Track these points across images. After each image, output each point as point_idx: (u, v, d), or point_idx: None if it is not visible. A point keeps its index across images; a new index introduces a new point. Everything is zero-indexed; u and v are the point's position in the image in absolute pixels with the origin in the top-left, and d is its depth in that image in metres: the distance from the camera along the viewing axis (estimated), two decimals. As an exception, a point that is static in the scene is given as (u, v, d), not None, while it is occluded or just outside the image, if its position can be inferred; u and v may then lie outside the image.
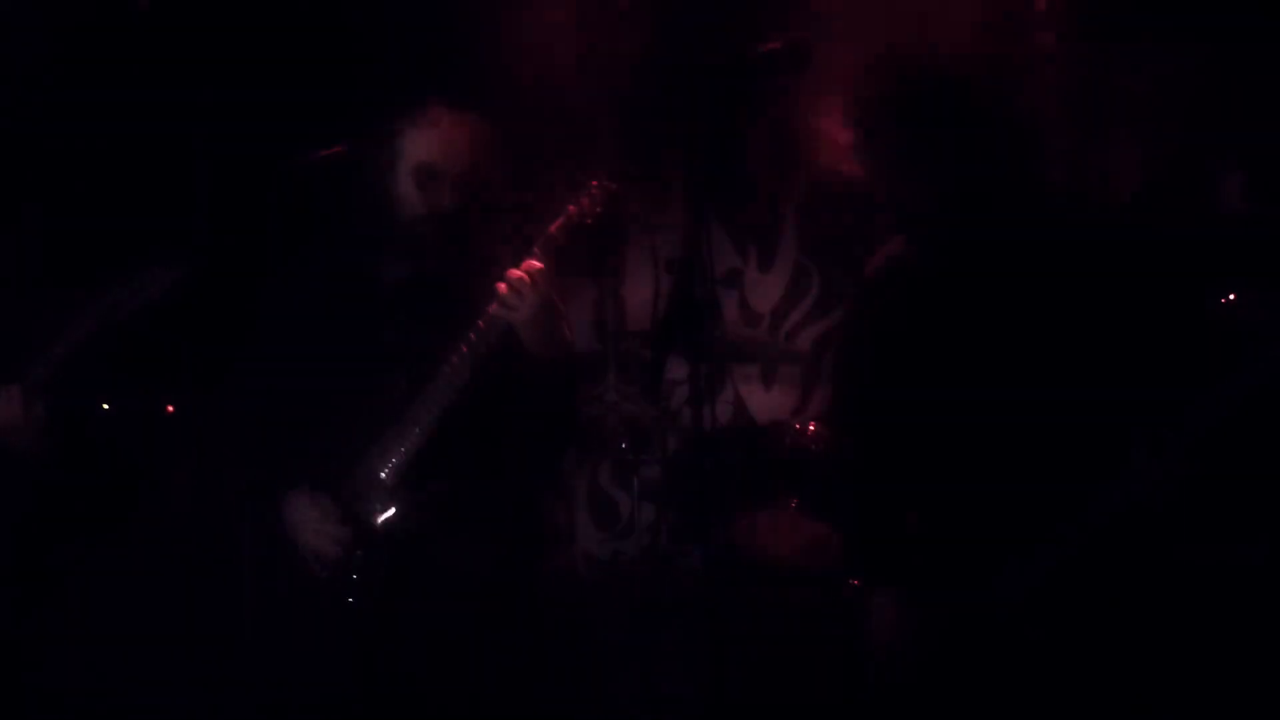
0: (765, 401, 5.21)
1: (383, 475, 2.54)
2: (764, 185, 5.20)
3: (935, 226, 2.35)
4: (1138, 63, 4.03)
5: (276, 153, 2.81)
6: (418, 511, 2.56)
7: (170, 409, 4.02)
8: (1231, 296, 3.10)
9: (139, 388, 3.96)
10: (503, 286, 2.52)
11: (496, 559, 2.63)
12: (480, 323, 2.54)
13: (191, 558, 4.03)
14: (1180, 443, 2.13)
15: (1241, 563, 2.76)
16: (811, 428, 4.37)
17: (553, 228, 2.64)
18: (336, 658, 2.60)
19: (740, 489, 4.37)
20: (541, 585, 2.84)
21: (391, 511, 2.55)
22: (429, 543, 2.58)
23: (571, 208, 2.66)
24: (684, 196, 5.36)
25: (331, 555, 2.57)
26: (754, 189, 5.18)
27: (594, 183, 2.70)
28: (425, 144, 2.70)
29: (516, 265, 2.58)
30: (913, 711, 2.33)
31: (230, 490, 3.73)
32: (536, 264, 2.54)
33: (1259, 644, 2.69)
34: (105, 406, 3.64)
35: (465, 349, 2.54)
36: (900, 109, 2.33)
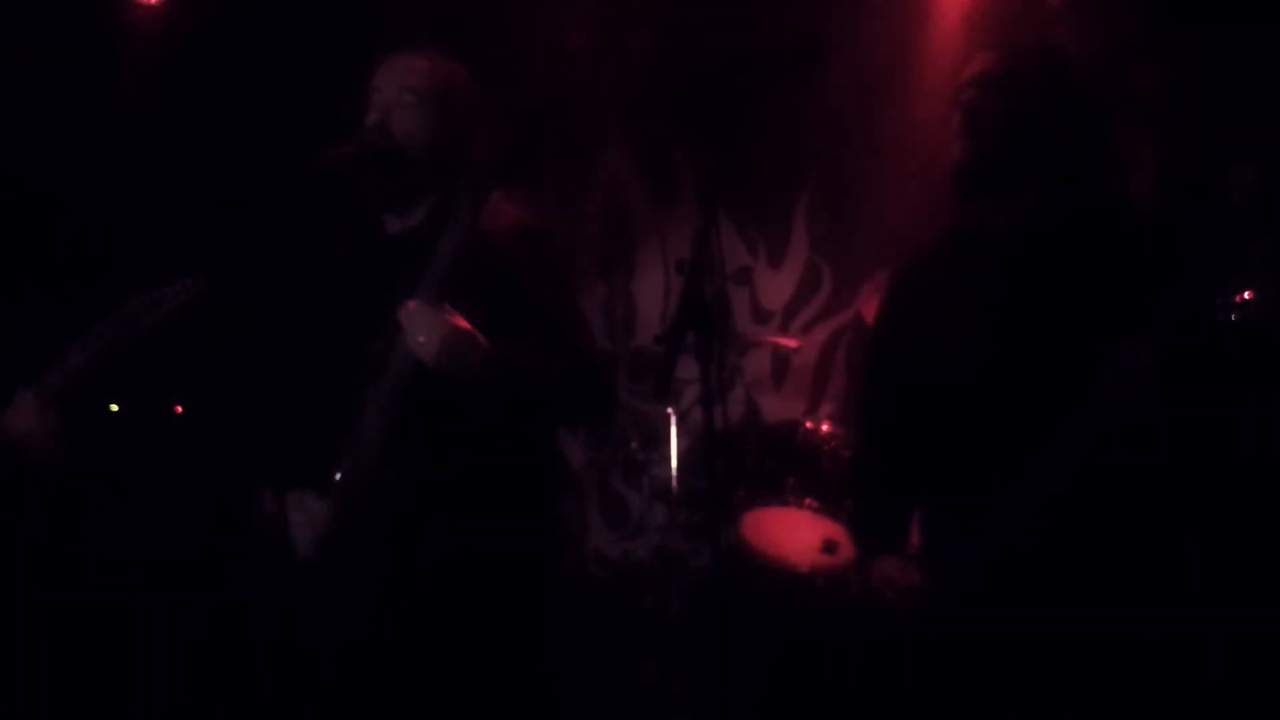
0: (776, 400, 5.20)
1: (361, 463, 2.52)
2: (774, 183, 5.19)
3: (1019, 204, 2.35)
4: (1149, 56, 4.01)
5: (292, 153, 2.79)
6: (408, 487, 2.53)
7: (179, 409, 4.03)
8: (1248, 295, 3.08)
9: (149, 389, 3.96)
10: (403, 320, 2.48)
11: (504, 550, 2.60)
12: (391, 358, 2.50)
13: (196, 554, 4.03)
14: (1149, 350, 2.11)
15: (1245, 549, 2.76)
16: (824, 427, 4.35)
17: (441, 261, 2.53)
18: (336, 651, 2.58)
19: (750, 488, 4.35)
20: (557, 583, 2.81)
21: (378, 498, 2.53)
22: (427, 529, 2.55)
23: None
24: (694, 195, 5.37)
25: (315, 556, 2.56)
26: (764, 187, 5.17)
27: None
28: (385, 78, 2.66)
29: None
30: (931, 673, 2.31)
31: (234, 485, 3.74)
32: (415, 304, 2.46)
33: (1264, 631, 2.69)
34: (114, 408, 3.64)
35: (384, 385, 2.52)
36: (1008, 84, 2.35)
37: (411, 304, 2.44)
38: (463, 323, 2.44)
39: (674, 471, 4.59)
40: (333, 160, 2.54)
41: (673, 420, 4.62)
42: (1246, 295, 3.05)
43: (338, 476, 2.56)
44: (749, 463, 4.41)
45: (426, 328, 2.42)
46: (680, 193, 5.38)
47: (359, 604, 2.53)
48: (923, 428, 2.40)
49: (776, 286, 5.31)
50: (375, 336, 2.53)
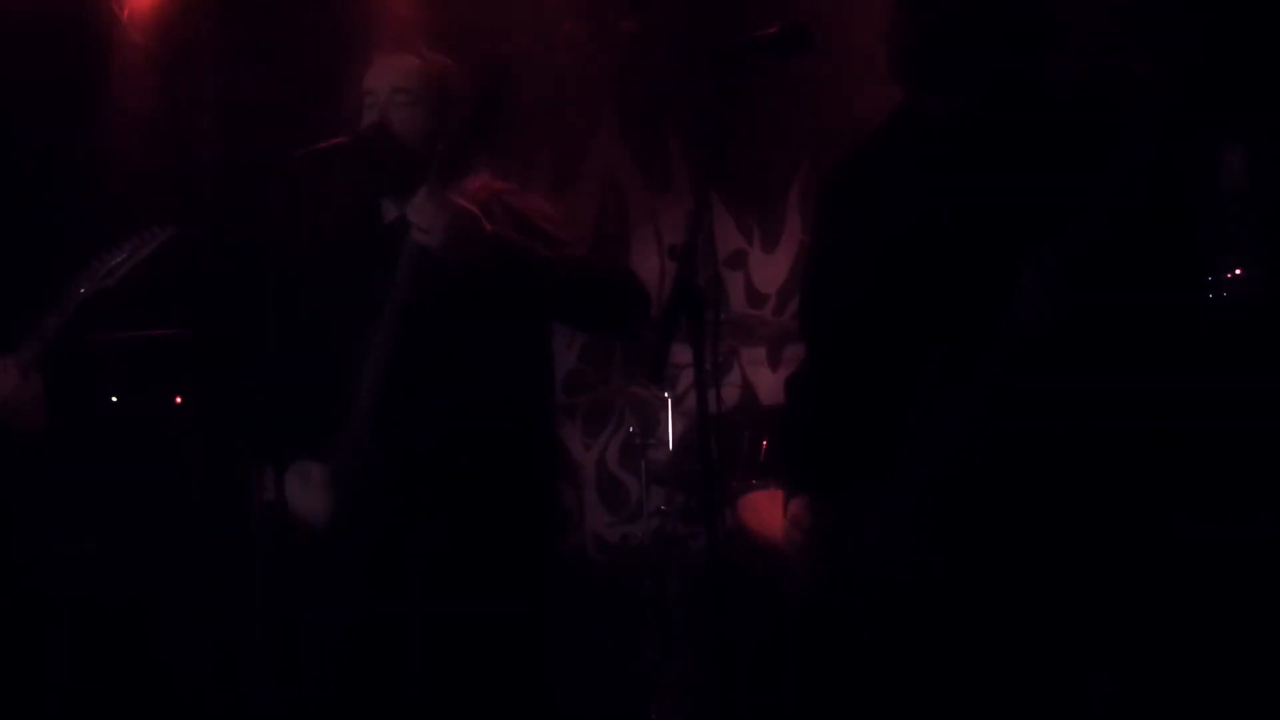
0: (772, 383, 5.21)
1: (361, 435, 2.52)
2: (768, 166, 5.19)
3: (964, 89, 2.18)
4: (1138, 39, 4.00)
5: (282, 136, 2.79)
6: (407, 454, 2.54)
7: (179, 400, 4.04)
8: (1238, 271, 3.10)
9: (146, 379, 3.97)
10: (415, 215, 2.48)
11: (498, 532, 2.61)
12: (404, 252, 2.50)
13: (201, 535, 4.05)
14: (1064, 254, 2.01)
15: (1244, 539, 2.73)
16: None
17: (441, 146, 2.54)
18: (341, 631, 2.60)
19: (747, 471, 4.37)
20: (553, 565, 2.82)
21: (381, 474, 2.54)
22: (425, 506, 2.56)
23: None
24: (688, 180, 5.37)
25: (320, 528, 2.57)
26: (758, 170, 5.17)
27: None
28: (376, 79, 2.69)
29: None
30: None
31: (237, 463, 3.74)
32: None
33: (1264, 622, 2.67)
34: (114, 400, 3.65)
35: (395, 280, 2.51)
36: None
37: (418, 197, 2.46)
38: (468, 204, 2.47)
39: (671, 455, 4.61)
40: (327, 153, 2.57)
41: (669, 404, 4.63)
42: (1236, 272, 3.07)
43: (335, 451, 2.58)
44: (745, 446, 4.42)
45: (432, 210, 2.44)
46: (674, 177, 5.38)
47: (352, 586, 2.54)
48: (864, 348, 2.25)
49: (771, 270, 5.32)
50: (374, 319, 2.56)
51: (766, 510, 4.28)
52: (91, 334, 3.13)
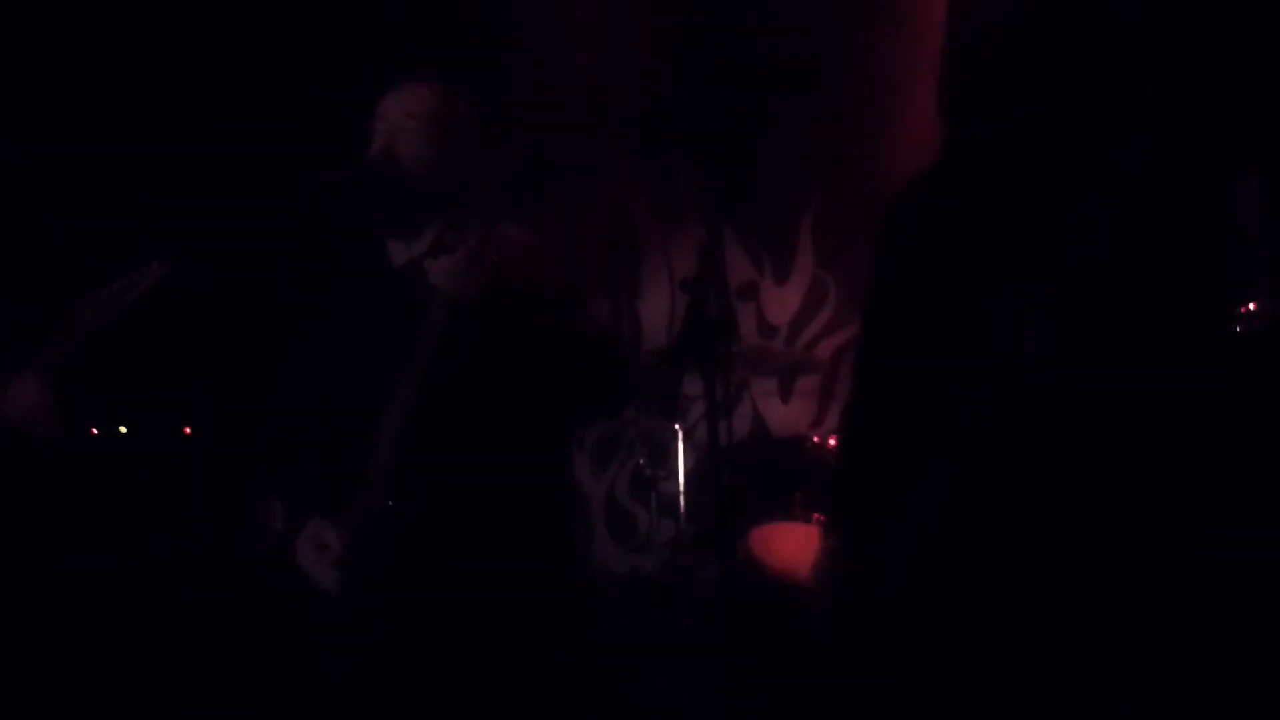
0: (783, 415, 5.20)
1: (380, 489, 2.50)
2: (780, 199, 5.20)
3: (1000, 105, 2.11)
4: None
5: (288, 160, 2.77)
6: (425, 506, 2.52)
7: (187, 430, 4.04)
8: (1252, 305, 3.08)
9: (154, 408, 3.97)
10: (444, 266, 2.47)
11: (517, 565, 2.60)
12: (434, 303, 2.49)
13: (210, 577, 4.04)
14: (1052, 292, 1.93)
15: (1246, 559, 2.70)
16: (831, 441, 4.34)
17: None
18: (345, 674, 2.58)
19: (758, 503, 4.35)
20: (567, 598, 2.81)
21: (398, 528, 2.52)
22: (440, 546, 2.54)
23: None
24: (700, 212, 5.38)
25: (332, 592, 2.55)
26: (770, 203, 5.18)
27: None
28: (388, 106, 2.68)
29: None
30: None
31: (249, 514, 3.74)
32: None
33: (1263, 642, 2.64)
34: (122, 429, 3.65)
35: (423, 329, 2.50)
36: None
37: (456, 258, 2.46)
38: (498, 265, 2.46)
39: (681, 487, 4.60)
40: (335, 182, 2.56)
41: (679, 436, 4.62)
42: (1251, 306, 3.05)
43: (351, 506, 2.56)
44: (756, 478, 4.41)
45: (470, 273, 2.44)
46: (686, 209, 5.39)
47: (369, 630, 2.53)
48: (919, 385, 2.16)
49: (783, 301, 5.32)
50: (388, 370, 2.53)
51: (778, 543, 4.26)
52: (93, 364, 3.14)
